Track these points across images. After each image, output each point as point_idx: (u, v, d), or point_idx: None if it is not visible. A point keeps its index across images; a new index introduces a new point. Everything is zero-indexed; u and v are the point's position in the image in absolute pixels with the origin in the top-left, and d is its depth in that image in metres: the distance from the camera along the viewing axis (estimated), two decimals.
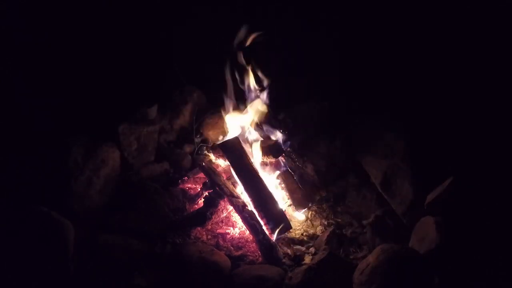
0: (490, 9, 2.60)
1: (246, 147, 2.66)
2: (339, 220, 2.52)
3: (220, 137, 2.94)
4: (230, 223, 2.44)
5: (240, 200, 2.39)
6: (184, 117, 3.11)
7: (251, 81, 2.79)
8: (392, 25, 2.91)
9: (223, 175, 2.62)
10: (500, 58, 2.52)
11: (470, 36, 2.65)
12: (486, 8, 2.60)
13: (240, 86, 2.82)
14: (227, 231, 2.38)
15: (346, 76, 2.94)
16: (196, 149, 2.99)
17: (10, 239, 1.81)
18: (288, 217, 2.40)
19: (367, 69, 2.91)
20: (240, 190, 2.52)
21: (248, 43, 2.73)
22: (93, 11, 3.00)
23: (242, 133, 2.77)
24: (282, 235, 2.34)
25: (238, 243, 2.31)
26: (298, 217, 2.54)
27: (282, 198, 2.63)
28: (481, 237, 1.90)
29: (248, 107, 2.79)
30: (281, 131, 2.71)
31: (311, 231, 2.44)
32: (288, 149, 2.72)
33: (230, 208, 2.46)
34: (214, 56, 2.84)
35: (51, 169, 2.31)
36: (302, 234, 2.42)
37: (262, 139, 2.75)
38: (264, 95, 2.79)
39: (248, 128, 2.78)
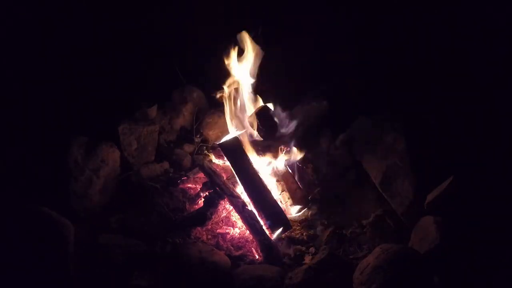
0: (488, 10, 2.60)
1: (246, 146, 2.66)
2: (339, 220, 2.52)
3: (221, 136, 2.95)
4: (230, 223, 2.44)
5: (240, 200, 2.39)
6: (184, 117, 3.11)
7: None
8: (392, 25, 2.91)
9: (223, 175, 2.62)
10: (500, 58, 2.52)
11: (470, 36, 2.65)
12: (484, 9, 2.60)
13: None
14: (227, 231, 2.38)
15: (346, 76, 2.94)
16: (196, 149, 2.99)
17: (10, 239, 1.81)
18: (288, 217, 2.40)
19: (367, 69, 2.91)
20: (240, 190, 2.52)
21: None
22: (93, 10, 3.00)
23: (243, 133, 2.77)
24: (282, 235, 2.34)
25: (238, 243, 2.31)
26: (297, 216, 2.54)
27: (282, 198, 2.63)
28: (481, 237, 1.90)
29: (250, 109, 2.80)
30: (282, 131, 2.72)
31: (311, 231, 2.44)
32: (288, 149, 2.72)
33: (230, 208, 2.46)
34: (214, 56, 2.85)
35: (51, 169, 2.31)
36: (302, 234, 2.42)
37: (262, 139, 2.76)
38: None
39: (249, 128, 2.79)
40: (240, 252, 2.25)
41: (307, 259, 2.22)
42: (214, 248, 2.16)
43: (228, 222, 2.44)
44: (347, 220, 2.51)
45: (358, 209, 2.56)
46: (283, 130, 2.75)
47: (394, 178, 2.38)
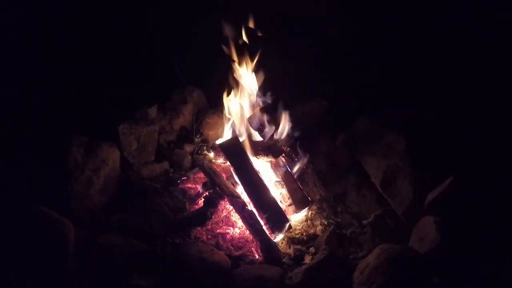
0: (488, 10, 2.60)
1: (246, 146, 2.66)
2: (339, 220, 2.52)
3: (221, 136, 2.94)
4: (230, 223, 2.44)
5: (240, 200, 2.39)
6: (184, 117, 3.11)
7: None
8: (392, 25, 2.91)
9: (223, 175, 2.62)
10: (500, 58, 2.52)
11: (470, 36, 2.65)
12: (484, 8, 2.60)
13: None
14: (227, 231, 2.38)
15: (346, 76, 2.94)
16: (196, 149, 2.99)
17: (10, 239, 1.81)
18: (288, 217, 2.40)
19: (367, 69, 2.91)
20: (240, 190, 2.52)
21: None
22: (93, 10, 3.00)
23: (242, 133, 2.77)
24: (282, 235, 2.34)
25: (238, 243, 2.31)
26: (298, 216, 2.54)
27: (282, 198, 2.64)
28: (481, 237, 1.90)
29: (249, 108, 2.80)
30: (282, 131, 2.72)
31: (311, 231, 2.44)
32: (288, 149, 2.72)
33: (230, 208, 2.46)
34: (214, 56, 2.85)
35: (51, 169, 2.31)
36: (302, 234, 2.42)
37: (262, 138, 2.76)
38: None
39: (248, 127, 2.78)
40: (240, 252, 2.25)
41: (307, 259, 2.22)
42: (214, 248, 2.16)
43: (228, 222, 2.44)
44: (347, 220, 2.51)
45: (358, 209, 2.56)
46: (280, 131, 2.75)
47: (394, 178, 2.38)
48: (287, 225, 2.33)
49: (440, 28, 2.77)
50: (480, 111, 2.39)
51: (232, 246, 2.29)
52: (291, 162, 2.69)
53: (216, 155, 2.83)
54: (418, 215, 2.14)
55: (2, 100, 2.48)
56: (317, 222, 2.50)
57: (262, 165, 2.69)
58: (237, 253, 2.23)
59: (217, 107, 3.09)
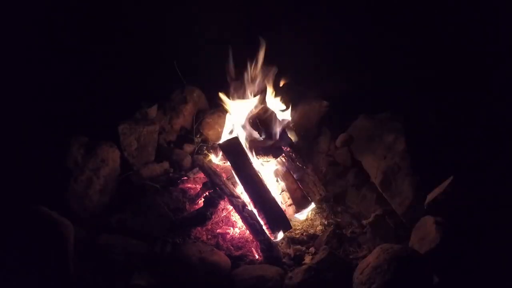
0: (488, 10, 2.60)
1: (246, 146, 2.66)
2: (339, 220, 2.52)
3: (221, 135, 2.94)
4: (230, 223, 2.44)
5: (240, 200, 2.39)
6: (184, 117, 3.11)
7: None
8: (392, 25, 2.91)
9: (223, 175, 2.62)
10: (500, 58, 2.52)
11: (469, 36, 2.65)
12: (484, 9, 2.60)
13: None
14: (227, 231, 2.38)
15: (346, 76, 2.94)
16: (196, 149, 2.99)
17: (10, 239, 1.81)
18: (288, 217, 2.40)
19: (367, 69, 2.91)
20: (240, 190, 2.52)
21: None
22: (93, 10, 3.01)
23: (243, 133, 2.76)
24: (282, 235, 2.34)
25: (238, 243, 2.31)
26: (298, 217, 2.54)
27: (282, 198, 2.63)
28: (481, 237, 1.90)
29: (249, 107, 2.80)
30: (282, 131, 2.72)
31: (311, 231, 2.44)
32: (288, 149, 2.72)
33: (230, 208, 2.46)
34: (214, 56, 2.85)
35: (51, 169, 2.31)
36: (302, 234, 2.42)
37: (262, 139, 2.75)
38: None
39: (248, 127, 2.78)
40: (240, 252, 2.25)
41: (307, 259, 2.22)
42: (214, 248, 2.17)
43: (228, 222, 2.44)
44: (347, 220, 2.51)
45: (358, 209, 2.56)
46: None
47: (394, 178, 2.38)
48: (287, 225, 2.33)
49: (440, 28, 2.77)
50: (480, 111, 2.39)
51: (232, 246, 2.29)
52: (291, 162, 2.69)
53: (216, 155, 2.83)
54: (418, 215, 2.14)
55: (2, 100, 2.48)
56: (317, 222, 2.51)
57: (262, 165, 2.68)
58: (237, 253, 2.24)
59: (217, 107, 3.09)
